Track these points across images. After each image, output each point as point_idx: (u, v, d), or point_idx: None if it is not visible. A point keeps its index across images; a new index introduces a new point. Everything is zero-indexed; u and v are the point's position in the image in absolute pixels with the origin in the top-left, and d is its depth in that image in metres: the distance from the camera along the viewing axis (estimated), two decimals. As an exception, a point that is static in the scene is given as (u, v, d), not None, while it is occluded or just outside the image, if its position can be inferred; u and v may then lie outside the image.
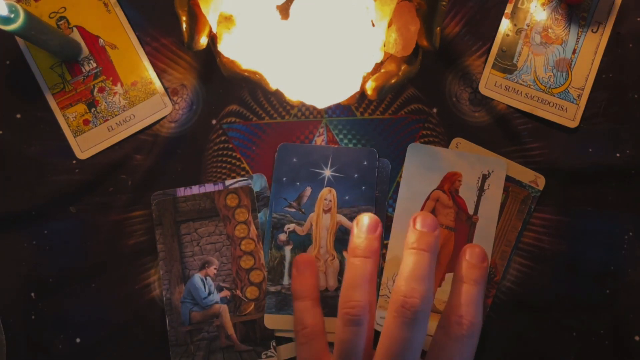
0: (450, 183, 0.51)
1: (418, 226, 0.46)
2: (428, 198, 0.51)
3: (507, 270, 0.51)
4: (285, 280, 0.51)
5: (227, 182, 0.52)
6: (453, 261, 0.50)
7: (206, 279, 0.51)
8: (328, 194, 0.51)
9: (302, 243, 0.51)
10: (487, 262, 0.47)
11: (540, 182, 0.51)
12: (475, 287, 0.45)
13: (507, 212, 0.51)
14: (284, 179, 0.51)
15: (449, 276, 0.51)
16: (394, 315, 0.43)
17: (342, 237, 0.51)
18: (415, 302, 0.43)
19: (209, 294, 0.51)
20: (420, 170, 0.51)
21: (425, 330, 0.44)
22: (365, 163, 0.51)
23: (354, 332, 0.44)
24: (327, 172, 0.51)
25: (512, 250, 0.51)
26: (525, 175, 0.51)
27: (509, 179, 0.51)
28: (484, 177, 0.51)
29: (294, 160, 0.51)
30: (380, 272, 0.51)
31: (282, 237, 0.51)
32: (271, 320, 0.50)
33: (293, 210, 0.51)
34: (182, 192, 0.52)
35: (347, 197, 0.51)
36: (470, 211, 0.51)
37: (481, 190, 0.51)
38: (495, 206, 0.51)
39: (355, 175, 0.51)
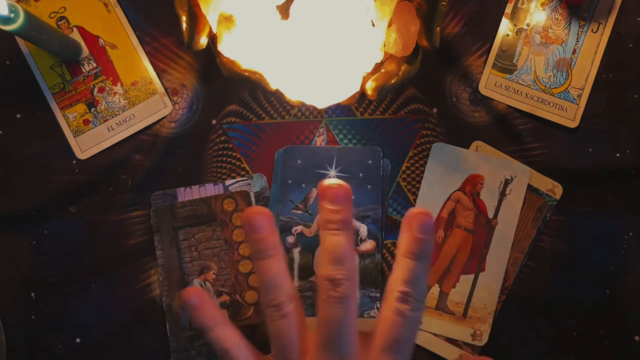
0: (472, 185, 0.51)
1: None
2: (449, 198, 0.51)
3: (518, 276, 0.51)
4: (295, 283, 0.50)
5: (227, 182, 0.52)
6: (469, 264, 0.51)
7: (205, 284, 0.51)
8: None
9: (310, 244, 0.51)
10: (433, 234, 0.44)
11: (558, 190, 0.51)
12: (419, 262, 0.43)
13: (523, 219, 0.51)
14: (290, 181, 0.51)
15: (463, 278, 0.51)
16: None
17: None
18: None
19: None
20: (443, 170, 0.51)
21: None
22: (369, 162, 0.51)
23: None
24: (332, 173, 0.51)
25: (524, 257, 0.51)
26: (543, 183, 0.51)
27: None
28: (506, 182, 0.51)
29: (299, 162, 0.51)
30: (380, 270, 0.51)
31: (290, 239, 0.51)
32: None
33: (300, 212, 0.51)
34: (182, 192, 0.52)
35: (353, 197, 0.51)
36: (490, 215, 0.51)
37: (502, 195, 0.51)
38: (515, 212, 0.51)
39: (360, 174, 0.51)
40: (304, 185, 0.51)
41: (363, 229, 0.51)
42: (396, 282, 0.43)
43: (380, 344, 0.43)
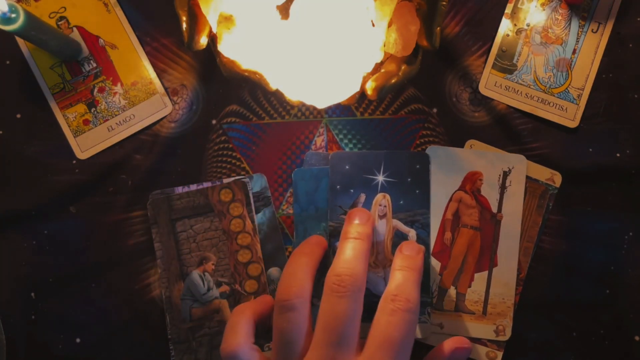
0: (471, 183, 0.51)
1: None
2: (451, 199, 0.51)
3: (531, 266, 0.51)
4: None
5: (225, 181, 0.52)
6: (481, 261, 0.51)
7: (204, 274, 0.51)
8: (382, 200, 0.51)
9: None
10: (422, 255, 0.47)
11: (557, 179, 0.51)
12: (408, 272, 0.46)
13: (527, 208, 0.51)
14: (338, 186, 0.51)
15: (478, 276, 0.50)
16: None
17: (399, 242, 0.49)
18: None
19: (208, 289, 0.51)
20: (441, 173, 0.51)
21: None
22: (417, 167, 0.51)
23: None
24: (380, 178, 0.51)
25: (534, 246, 0.51)
26: (542, 173, 0.51)
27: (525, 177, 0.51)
28: (505, 174, 0.51)
29: (347, 167, 0.51)
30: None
31: None
32: None
33: None
34: (180, 191, 0.52)
35: (401, 202, 0.50)
36: (494, 209, 0.51)
37: (503, 187, 0.51)
38: (518, 202, 0.51)
39: (409, 179, 0.51)
40: (352, 190, 0.51)
41: (412, 233, 0.51)
42: (391, 290, 0.45)
43: (373, 342, 0.44)
